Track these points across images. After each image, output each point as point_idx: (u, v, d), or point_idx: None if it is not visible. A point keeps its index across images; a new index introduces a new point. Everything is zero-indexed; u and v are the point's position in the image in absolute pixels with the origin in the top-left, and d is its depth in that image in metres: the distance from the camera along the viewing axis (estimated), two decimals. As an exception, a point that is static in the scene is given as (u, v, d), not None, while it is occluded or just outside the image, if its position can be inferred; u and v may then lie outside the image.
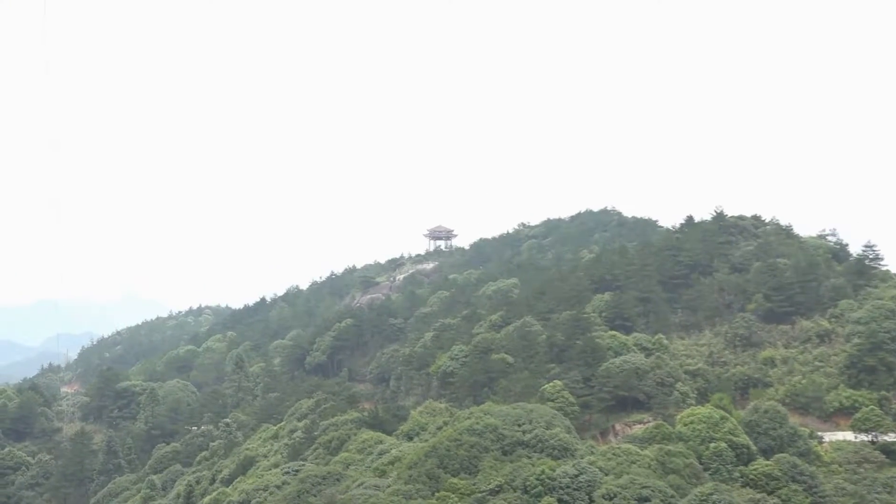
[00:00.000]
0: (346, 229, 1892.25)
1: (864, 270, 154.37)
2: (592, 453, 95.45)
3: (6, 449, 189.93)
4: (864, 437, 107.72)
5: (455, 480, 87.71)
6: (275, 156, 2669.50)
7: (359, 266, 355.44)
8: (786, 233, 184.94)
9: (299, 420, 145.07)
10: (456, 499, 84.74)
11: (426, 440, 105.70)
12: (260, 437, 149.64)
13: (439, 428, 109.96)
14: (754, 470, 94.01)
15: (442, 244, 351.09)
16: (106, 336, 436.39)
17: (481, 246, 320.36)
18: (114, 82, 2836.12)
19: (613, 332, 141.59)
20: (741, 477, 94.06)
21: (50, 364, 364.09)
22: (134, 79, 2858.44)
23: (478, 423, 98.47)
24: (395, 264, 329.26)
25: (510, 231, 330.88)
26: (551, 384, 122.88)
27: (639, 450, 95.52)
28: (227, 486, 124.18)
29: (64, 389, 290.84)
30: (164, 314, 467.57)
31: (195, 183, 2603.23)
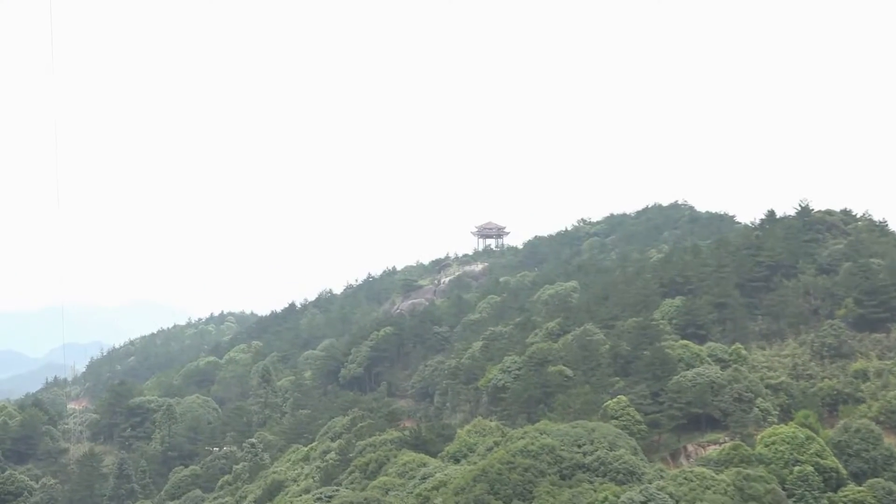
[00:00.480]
0: (385, 227, 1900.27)
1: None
2: (662, 478, 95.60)
3: (7, 472, 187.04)
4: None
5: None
6: (304, 152, 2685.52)
7: (399, 267, 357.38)
8: (880, 229, 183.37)
9: (333, 440, 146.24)
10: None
11: (475, 462, 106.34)
12: (289, 459, 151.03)
13: (489, 449, 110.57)
14: (844, 497, 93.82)
15: (492, 243, 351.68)
16: (117, 346, 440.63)
17: (536, 245, 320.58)
18: (118, 81, 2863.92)
19: (685, 342, 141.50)
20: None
21: (55, 377, 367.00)
22: (142, 77, 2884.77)
23: (532, 444, 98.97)
24: (439, 265, 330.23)
25: (568, 228, 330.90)
26: (615, 400, 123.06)
27: (714, 474, 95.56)
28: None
29: (71, 406, 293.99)
30: (181, 321, 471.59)
31: (215, 181, 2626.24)
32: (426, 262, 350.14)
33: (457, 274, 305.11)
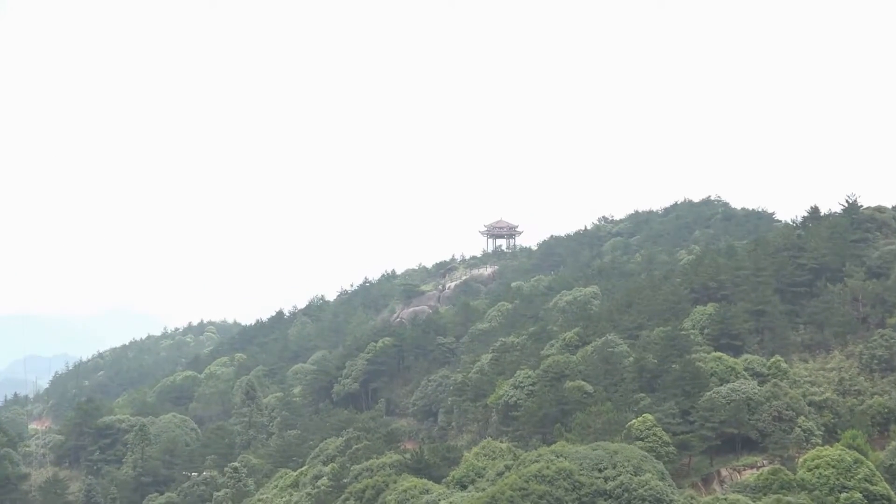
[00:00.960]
0: (383, 227, 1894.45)
1: None
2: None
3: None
4: None
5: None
6: (295, 148, 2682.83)
7: (399, 271, 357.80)
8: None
9: (325, 464, 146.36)
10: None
11: (483, 489, 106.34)
12: (276, 486, 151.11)
13: (500, 474, 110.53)
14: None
15: (503, 243, 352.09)
16: (85, 359, 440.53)
17: (552, 245, 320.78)
18: (96, 80, 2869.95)
19: (718, 354, 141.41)
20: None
21: (15, 394, 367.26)
22: (122, 76, 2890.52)
23: (548, 468, 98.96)
24: (444, 269, 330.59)
25: (588, 227, 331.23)
26: (640, 419, 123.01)
27: (751, 501, 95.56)
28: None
29: (33, 426, 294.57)
30: (157, 331, 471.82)
31: (196, 182, 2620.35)
32: (429, 265, 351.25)
33: (463, 278, 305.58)
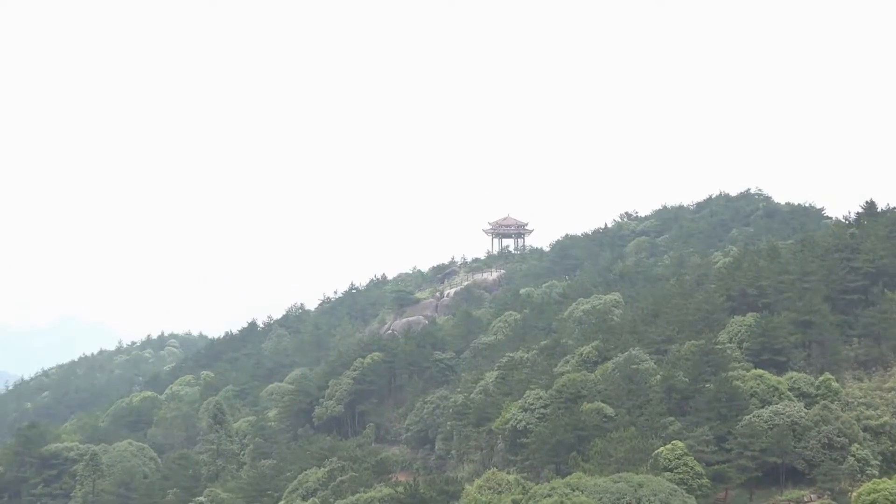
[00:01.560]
0: (371, 227, 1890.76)
1: None
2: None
3: None
4: None
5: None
6: (267, 141, 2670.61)
7: (390, 276, 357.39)
8: None
9: (305, 498, 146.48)
10: None
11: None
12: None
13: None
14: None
15: (510, 244, 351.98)
16: (27, 377, 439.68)
17: (567, 246, 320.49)
18: (58, 79, 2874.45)
19: (759, 372, 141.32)
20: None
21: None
22: (78, 75, 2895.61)
23: (563, 503, 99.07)
24: (442, 273, 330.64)
25: (608, 225, 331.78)
26: (669, 446, 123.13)
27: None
28: None
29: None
30: (110, 345, 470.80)
31: (156, 179, 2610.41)
32: (425, 268, 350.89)
33: (465, 284, 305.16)
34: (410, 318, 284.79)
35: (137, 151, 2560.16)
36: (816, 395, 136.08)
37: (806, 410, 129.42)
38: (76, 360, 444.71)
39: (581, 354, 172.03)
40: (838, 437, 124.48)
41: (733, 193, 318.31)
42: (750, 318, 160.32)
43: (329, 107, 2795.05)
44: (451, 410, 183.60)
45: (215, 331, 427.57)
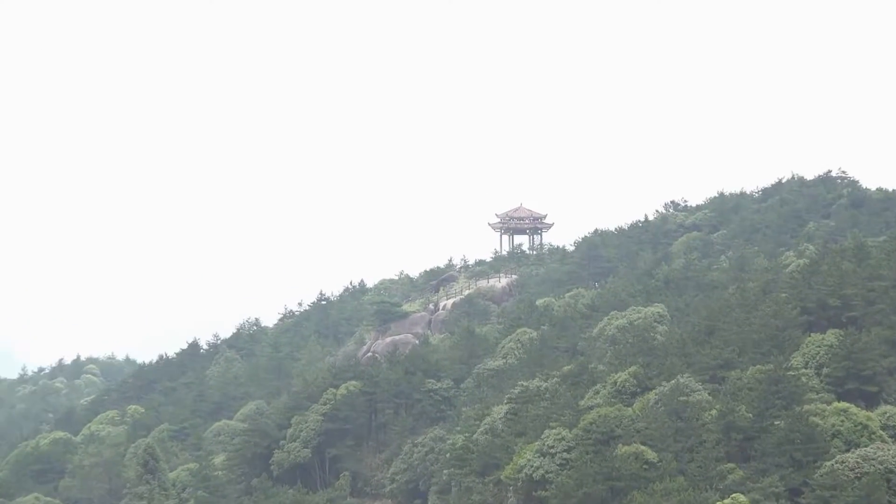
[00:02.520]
0: (346, 220, 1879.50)
1: None
2: None
3: None
4: None
5: None
6: (220, 144, 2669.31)
7: (371, 283, 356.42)
8: None
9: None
10: None
11: None
12: None
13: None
14: None
15: (524, 241, 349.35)
16: None
17: (596, 244, 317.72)
18: None
19: (844, 405, 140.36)
20: None
21: None
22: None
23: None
24: (436, 279, 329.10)
25: (650, 217, 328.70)
26: (728, 501, 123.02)
27: None
28: None
29: None
30: (13, 373, 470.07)
31: (71, 178, 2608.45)
32: (415, 273, 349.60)
33: (466, 293, 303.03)
34: (396, 337, 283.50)
35: (37, 154, 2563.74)
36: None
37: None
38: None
39: (615, 383, 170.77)
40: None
41: (809, 177, 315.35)
42: (831, 336, 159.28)
43: (298, 80, 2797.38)
44: (448, 455, 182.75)
45: (146, 354, 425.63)
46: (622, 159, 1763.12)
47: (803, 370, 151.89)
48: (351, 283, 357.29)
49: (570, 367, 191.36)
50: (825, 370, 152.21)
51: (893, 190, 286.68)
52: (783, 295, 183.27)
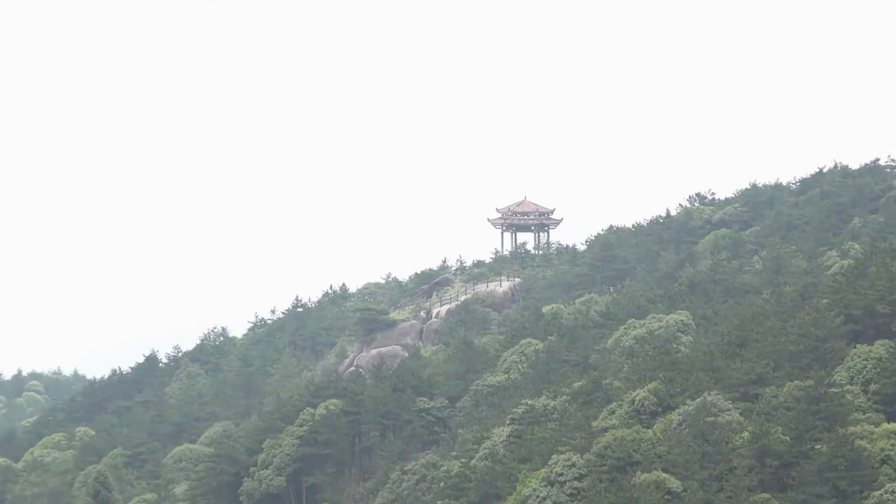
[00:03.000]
0: (325, 218, 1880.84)
1: None
2: None
3: None
4: None
5: None
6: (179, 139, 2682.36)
7: (353, 288, 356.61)
8: None
9: None
10: None
11: None
12: None
13: None
14: None
15: (528, 240, 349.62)
16: None
17: (611, 243, 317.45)
18: None
19: (894, 426, 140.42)
20: None
21: None
22: None
23: None
24: (429, 283, 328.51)
25: (672, 212, 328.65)
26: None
27: None
28: None
29: None
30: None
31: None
32: (404, 276, 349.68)
33: (462, 298, 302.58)
34: (383, 350, 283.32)
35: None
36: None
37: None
38: None
39: (633, 402, 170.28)
40: None
41: (854, 166, 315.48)
42: (880, 347, 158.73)
43: (287, 70, 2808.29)
44: (442, 484, 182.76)
45: (96, 368, 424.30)
46: (640, 147, 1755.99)
47: (848, 387, 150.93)
48: (331, 287, 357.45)
49: (581, 383, 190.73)
50: (873, 386, 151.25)
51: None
52: (825, 301, 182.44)
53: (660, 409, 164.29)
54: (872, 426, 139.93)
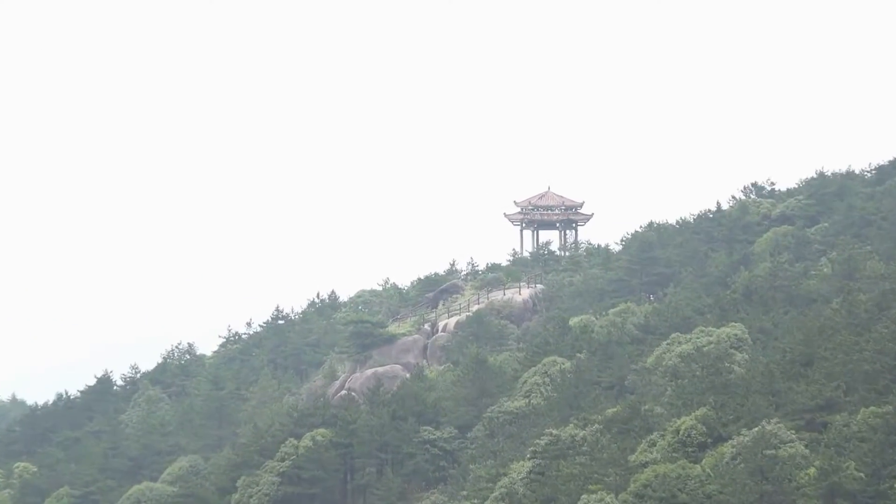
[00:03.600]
0: (313, 216, 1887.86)
1: None
2: None
3: None
4: None
5: None
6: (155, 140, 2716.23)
7: (345, 296, 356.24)
8: None
9: None
10: None
11: None
12: None
13: None
14: None
15: (553, 238, 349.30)
16: None
17: (650, 243, 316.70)
18: None
19: None
20: None
21: None
22: None
23: None
24: (435, 291, 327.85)
25: (724, 206, 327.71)
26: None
27: None
28: None
29: None
30: None
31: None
32: (405, 282, 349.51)
33: (474, 308, 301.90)
34: (380, 369, 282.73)
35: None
36: None
37: None
38: None
39: (677, 432, 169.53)
40: None
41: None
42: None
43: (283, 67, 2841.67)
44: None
45: (39, 392, 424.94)
46: (684, 129, 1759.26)
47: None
48: (318, 295, 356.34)
49: (615, 409, 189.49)
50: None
51: None
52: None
53: (709, 441, 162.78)
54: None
